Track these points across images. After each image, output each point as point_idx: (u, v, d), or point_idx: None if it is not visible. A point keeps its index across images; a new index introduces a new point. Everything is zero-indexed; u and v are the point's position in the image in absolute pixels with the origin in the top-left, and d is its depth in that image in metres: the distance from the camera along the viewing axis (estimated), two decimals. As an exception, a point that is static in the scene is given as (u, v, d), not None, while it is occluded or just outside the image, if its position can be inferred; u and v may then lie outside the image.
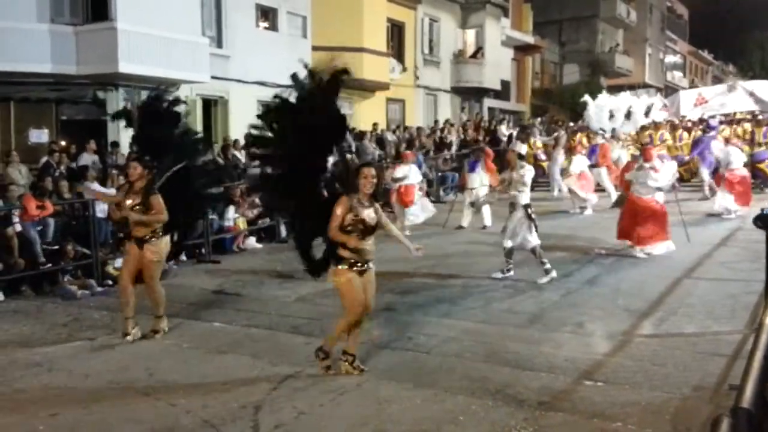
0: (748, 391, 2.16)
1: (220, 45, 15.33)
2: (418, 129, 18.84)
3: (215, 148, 12.66)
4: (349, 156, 6.00)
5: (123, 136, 10.90)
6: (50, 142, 11.77)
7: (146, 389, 4.71)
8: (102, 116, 12.24)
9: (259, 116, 5.22)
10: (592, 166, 13.37)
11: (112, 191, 8.32)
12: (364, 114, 18.77)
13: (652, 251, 8.73)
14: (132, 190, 5.78)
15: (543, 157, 16.29)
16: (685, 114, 18.30)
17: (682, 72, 48.21)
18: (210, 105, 15.49)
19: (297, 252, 5.05)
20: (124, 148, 11.07)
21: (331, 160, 4.97)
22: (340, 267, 4.68)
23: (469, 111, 25.75)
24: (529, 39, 30.15)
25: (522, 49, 29.85)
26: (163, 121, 6.27)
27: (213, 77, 14.22)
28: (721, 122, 16.55)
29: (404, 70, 21.84)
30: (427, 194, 13.18)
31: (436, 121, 21.70)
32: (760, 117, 17.81)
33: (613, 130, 15.18)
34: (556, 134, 17.79)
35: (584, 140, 15.53)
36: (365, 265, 4.72)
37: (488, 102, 27.09)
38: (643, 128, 17.49)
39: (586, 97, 15.95)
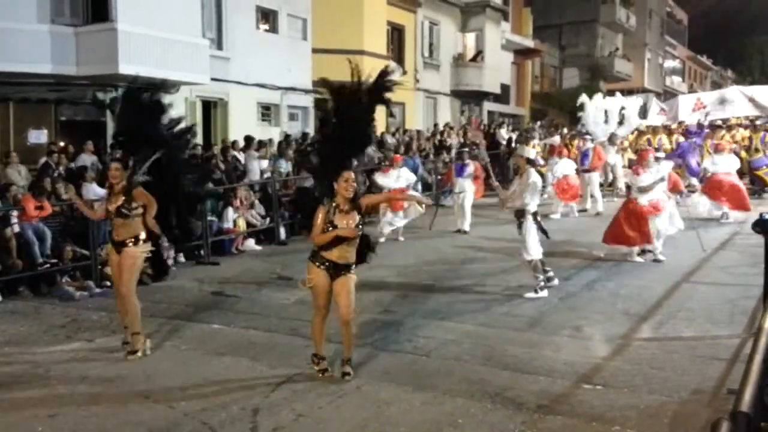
0: (747, 395, 2.16)
1: (220, 47, 15.34)
2: (418, 132, 18.86)
3: (214, 148, 12.64)
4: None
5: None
6: (49, 142, 11.76)
7: (145, 391, 4.71)
8: (101, 117, 12.23)
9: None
10: (585, 171, 13.35)
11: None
12: (363, 116, 18.75)
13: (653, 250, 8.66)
14: (113, 192, 5.52)
15: (542, 162, 16.25)
16: (684, 119, 18.33)
17: (681, 77, 48.31)
18: (210, 107, 15.49)
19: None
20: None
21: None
22: (311, 263, 4.72)
23: (468, 114, 25.78)
24: (529, 43, 30.20)
25: (522, 53, 29.90)
26: (145, 113, 5.88)
27: (213, 79, 14.22)
28: (707, 127, 16.50)
29: (404, 73, 21.86)
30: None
31: (435, 125, 21.72)
32: (758, 123, 17.85)
33: (612, 135, 15.17)
34: (548, 139, 17.81)
35: (574, 144, 15.47)
36: (340, 271, 4.67)
37: (488, 105, 27.12)
38: (641, 133, 17.51)
39: (584, 98, 15.94)
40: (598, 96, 16.16)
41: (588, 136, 14.17)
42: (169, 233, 6.05)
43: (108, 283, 8.08)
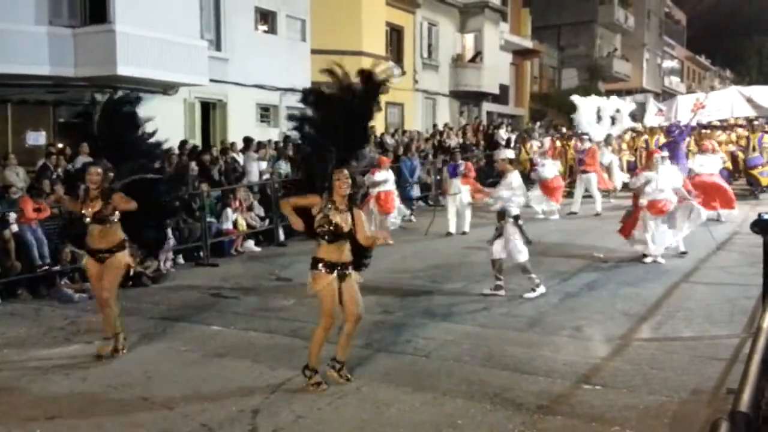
0: (746, 395, 2.16)
1: (218, 48, 15.34)
2: (417, 133, 18.86)
3: (213, 149, 12.64)
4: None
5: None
6: (47, 144, 11.75)
7: (144, 393, 4.70)
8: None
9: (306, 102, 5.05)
10: (582, 171, 13.33)
11: None
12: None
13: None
14: (89, 196, 5.39)
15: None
16: (682, 119, 18.30)
17: (680, 77, 48.35)
18: (209, 108, 15.49)
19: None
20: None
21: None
22: (317, 271, 4.59)
23: (467, 115, 25.79)
24: (528, 43, 30.23)
25: (520, 54, 29.92)
26: (119, 125, 5.89)
27: (212, 80, 14.23)
28: (691, 127, 16.47)
29: (403, 73, 21.87)
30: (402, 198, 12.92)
31: (434, 125, 21.72)
32: (756, 123, 17.84)
33: (608, 136, 15.18)
34: (541, 140, 17.80)
35: (571, 144, 15.43)
36: (344, 270, 4.61)
37: (487, 106, 27.13)
38: (639, 133, 17.50)
39: (576, 98, 15.94)
40: (591, 97, 16.16)
41: (585, 137, 14.15)
42: (140, 242, 5.91)
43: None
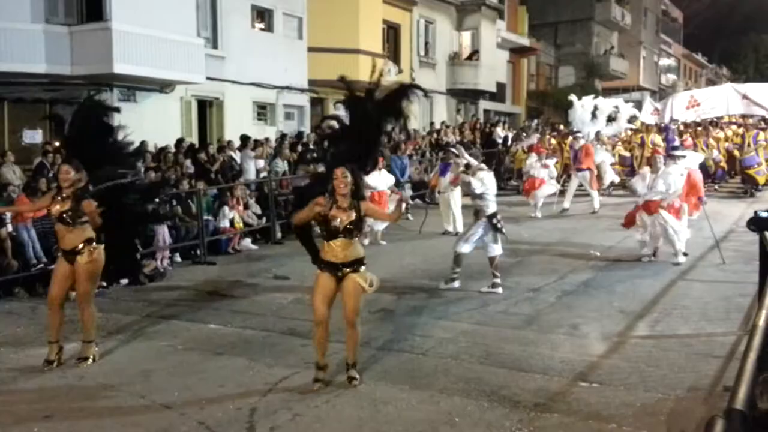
0: (741, 393, 2.17)
1: (215, 46, 15.30)
2: (414, 131, 18.85)
3: (210, 147, 12.62)
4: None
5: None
6: (44, 142, 11.72)
7: (141, 391, 4.70)
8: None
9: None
10: (577, 169, 13.32)
11: None
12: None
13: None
14: (60, 195, 5.23)
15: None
16: (677, 117, 18.33)
17: (677, 75, 48.41)
18: (205, 106, 15.46)
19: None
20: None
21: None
22: (317, 270, 4.70)
23: (464, 113, 25.79)
24: (525, 41, 30.22)
25: (517, 52, 29.92)
26: (93, 131, 5.71)
27: (208, 78, 14.19)
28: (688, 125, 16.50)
29: (400, 71, 21.86)
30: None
31: (431, 123, 21.72)
32: (750, 120, 17.87)
33: (597, 133, 15.19)
34: (527, 136, 17.80)
35: (567, 142, 15.39)
36: (339, 270, 4.59)
37: (484, 104, 27.13)
38: (635, 131, 17.52)
39: (572, 97, 15.96)
40: (589, 96, 16.16)
41: (579, 134, 14.15)
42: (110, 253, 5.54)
43: (104, 284, 8.06)
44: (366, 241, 9.92)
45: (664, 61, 46.37)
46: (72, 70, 12.25)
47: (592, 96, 16.26)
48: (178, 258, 9.64)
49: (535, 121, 24.39)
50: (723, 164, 15.81)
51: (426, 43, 23.83)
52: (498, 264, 7.36)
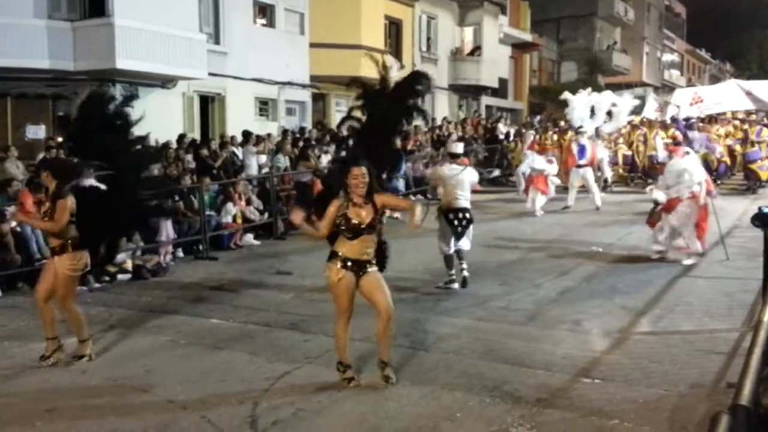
0: (746, 389, 2.17)
1: (217, 41, 15.29)
2: (415, 127, 18.81)
3: (212, 143, 12.61)
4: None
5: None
6: (47, 138, 11.74)
7: (143, 385, 4.71)
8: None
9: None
10: (579, 166, 13.26)
11: None
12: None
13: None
14: (46, 193, 5.23)
15: (529, 157, 16.14)
16: (682, 113, 18.24)
17: (680, 71, 48.26)
18: (207, 101, 15.46)
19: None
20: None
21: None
22: (332, 264, 4.47)
23: (466, 109, 25.75)
24: (527, 37, 30.14)
25: (520, 47, 29.84)
26: (107, 125, 5.47)
27: (210, 74, 14.19)
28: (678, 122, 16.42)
29: (402, 67, 21.80)
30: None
31: (433, 119, 21.67)
32: (754, 116, 17.81)
33: (596, 129, 15.13)
34: (523, 132, 17.74)
35: (567, 138, 15.35)
36: (362, 267, 4.47)
37: (486, 100, 27.08)
38: (634, 127, 17.48)
39: (567, 94, 15.90)
40: (585, 92, 16.05)
41: (582, 130, 14.09)
42: (94, 249, 5.42)
43: (107, 278, 8.10)
44: None
45: (668, 57, 46.22)
46: (75, 66, 12.27)
47: (587, 91, 16.12)
48: (180, 253, 9.65)
49: (537, 117, 24.33)
50: (725, 159, 15.75)
51: (428, 39, 23.78)
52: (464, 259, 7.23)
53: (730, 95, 17.61)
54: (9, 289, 7.71)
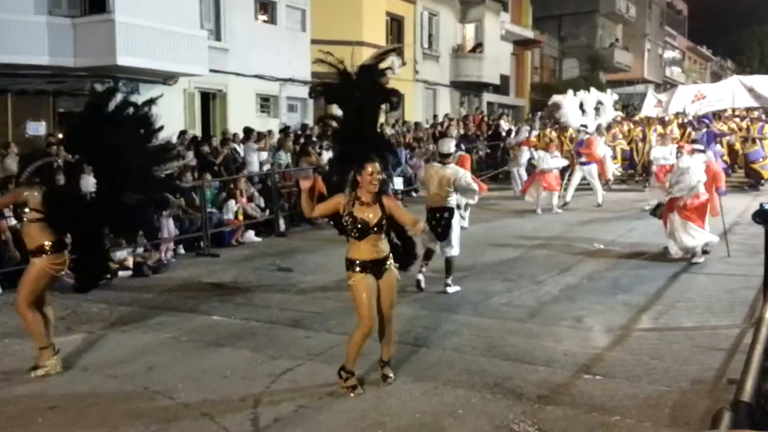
0: (748, 385, 2.17)
1: (218, 38, 15.27)
2: (416, 123, 18.81)
3: (213, 140, 12.60)
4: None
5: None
6: (47, 134, 11.73)
7: (145, 382, 4.71)
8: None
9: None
10: (581, 163, 13.24)
11: None
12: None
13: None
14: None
15: (535, 155, 16.14)
16: (685, 110, 18.21)
17: (681, 68, 48.17)
18: (208, 98, 15.44)
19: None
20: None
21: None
22: (353, 272, 4.32)
23: (468, 105, 25.72)
24: (529, 34, 30.10)
25: (521, 44, 29.79)
26: (129, 125, 5.23)
27: (211, 70, 14.17)
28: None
29: (403, 64, 21.78)
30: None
31: (435, 116, 21.66)
32: (756, 113, 17.76)
33: (599, 126, 15.14)
34: (518, 129, 17.72)
35: (566, 136, 15.33)
36: (380, 266, 4.34)
37: (487, 96, 27.05)
38: (635, 123, 17.45)
39: (555, 97, 15.99)
40: (569, 93, 16.17)
41: (583, 127, 14.07)
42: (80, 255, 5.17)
43: (108, 276, 8.08)
44: None
45: (669, 54, 46.13)
46: (75, 62, 12.25)
47: (572, 92, 16.23)
48: (181, 250, 9.65)
49: (539, 113, 24.27)
50: (725, 157, 15.71)
51: (429, 36, 23.74)
52: (453, 265, 7.02)
53: (732, 92, 17.57)
54: (10, 287, 7.70)
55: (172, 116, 13.69)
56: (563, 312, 6.21)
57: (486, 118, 21.77)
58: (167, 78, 13.75)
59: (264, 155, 12.54)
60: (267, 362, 5.04)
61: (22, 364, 5.15)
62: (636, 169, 16.25)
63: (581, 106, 15.50)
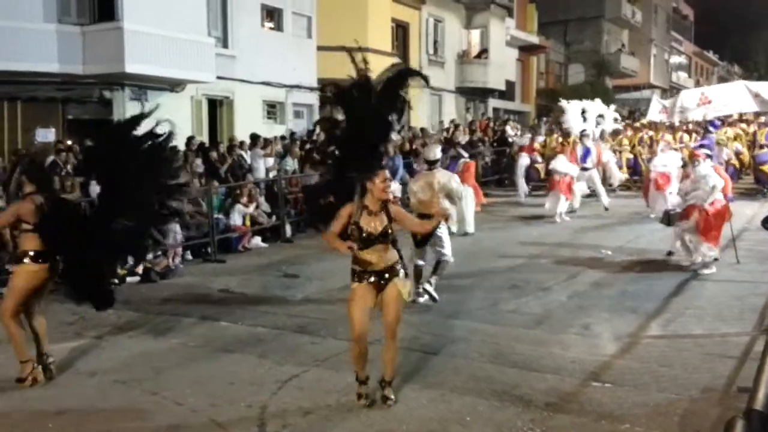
0: (761, 393, 2.15)
1: (225, 45, 15.35)
2: (422, 129, 18.82)
3: (220, 146, 12.65)
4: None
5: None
6: (57, 141, 11.81)
7: (153, 388, 4.72)
8: (108, 116, 12.29)
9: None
10: (584, 169, 13.16)
11: None
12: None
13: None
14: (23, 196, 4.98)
15: (539, 159, 16.11)
16: (691, 115, 18.12)
17: (687, 73, 48.06)
18: (215, 105, 15.51)
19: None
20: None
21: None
22: (353, 282, 4.25)
23: (473, 111, 25.73)
24: (534, 39, 30.10)
25: (527, 50, 29.81)
26: (147, 153, 5.11)
27: (218, 77, 14.24)
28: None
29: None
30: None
31: (441, 121, 21.67)
32: (762, 118, 17.66)
33: (602, 132, 15.12)
34: (519, 139, 17.69)
35: (570, 142, 15.28)
36: (380, 278, 4.21)
37: (493, 102, 27.06)
38: (636, 129, 17.38)
39: (563, 103, 16.03)
40: (574, 101, 16.21)
41: (586, 133, 14.03)
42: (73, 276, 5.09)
43: (116, 281, 8.11)
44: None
45: (675, 59, 46.04)
46: (84, 70, 12.35)
47: (578, 101, 16.30)
48: (189, 256, 9.68)
49: (544, 119, 24.24)
50: (734, 162, 15.63)
51: (435, 42, 23.79)
52: (443, 272, 6.92)
53: (738, 97, 17.49)
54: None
55: (179, 123, 13.71)
56: (571, 319, 6.18)
57: (492, 124, 21.76)
58: (175, 85, 13.84)
59: (270, 161, 12.58)
60: (274, 368, 5.04)
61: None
62: (641, 176, 16.19)
63: (583, 112, 15.50)
